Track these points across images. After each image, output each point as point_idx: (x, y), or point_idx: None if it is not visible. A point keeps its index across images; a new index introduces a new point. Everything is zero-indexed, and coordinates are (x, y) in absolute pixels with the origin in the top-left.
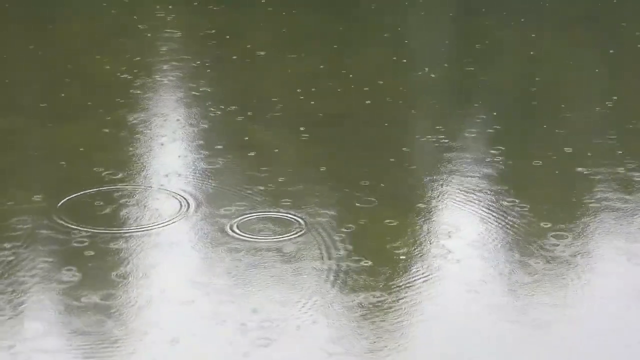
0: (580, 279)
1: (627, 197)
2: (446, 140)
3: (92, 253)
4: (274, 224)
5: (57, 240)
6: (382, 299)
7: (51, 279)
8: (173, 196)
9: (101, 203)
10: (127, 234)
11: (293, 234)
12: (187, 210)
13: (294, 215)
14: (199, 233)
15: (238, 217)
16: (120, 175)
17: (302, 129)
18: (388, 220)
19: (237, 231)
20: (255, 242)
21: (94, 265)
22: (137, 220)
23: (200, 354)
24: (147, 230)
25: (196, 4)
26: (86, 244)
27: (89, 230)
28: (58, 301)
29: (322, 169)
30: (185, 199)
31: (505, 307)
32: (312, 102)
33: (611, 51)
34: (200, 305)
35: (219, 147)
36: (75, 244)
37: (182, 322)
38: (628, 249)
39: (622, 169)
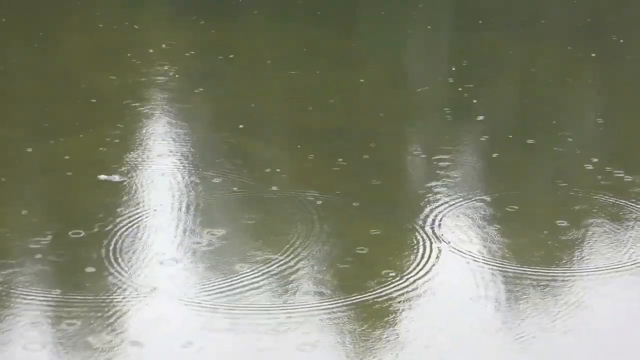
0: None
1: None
2: (444, 158)
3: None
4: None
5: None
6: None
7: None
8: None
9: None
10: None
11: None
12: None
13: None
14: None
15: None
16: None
17: (299, 144)
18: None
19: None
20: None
21: None
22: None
23: None
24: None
25: (195, 19)
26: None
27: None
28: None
29: (317, 181)
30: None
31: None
32: (310, 117)
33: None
34: None
35: (218, 162)
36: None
37: None
38: None
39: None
